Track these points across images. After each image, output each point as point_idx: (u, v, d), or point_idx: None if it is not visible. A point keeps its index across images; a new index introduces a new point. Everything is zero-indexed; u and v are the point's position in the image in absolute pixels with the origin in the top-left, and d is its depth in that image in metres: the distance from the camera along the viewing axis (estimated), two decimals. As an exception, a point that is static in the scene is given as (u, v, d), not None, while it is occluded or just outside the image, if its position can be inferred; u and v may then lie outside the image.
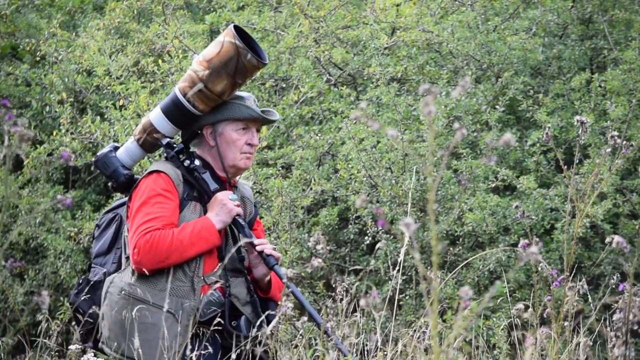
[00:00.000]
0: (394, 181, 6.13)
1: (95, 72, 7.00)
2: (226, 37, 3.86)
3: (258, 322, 3.75)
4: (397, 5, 7.00)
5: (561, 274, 3.54)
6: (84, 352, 4.01)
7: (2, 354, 6.09)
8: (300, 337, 3.90)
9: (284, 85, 7.20)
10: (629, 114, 6.31)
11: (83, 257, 7.61)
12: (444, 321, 5.52)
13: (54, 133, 7.16)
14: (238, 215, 3.88)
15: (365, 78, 6.90)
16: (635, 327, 2.89)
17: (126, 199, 4.04)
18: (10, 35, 8.56)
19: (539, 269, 3.62)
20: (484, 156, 6.33)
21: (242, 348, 3.77)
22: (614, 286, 3.32)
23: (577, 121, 3.55)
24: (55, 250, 7.50)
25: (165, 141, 3.94)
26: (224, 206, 3.86)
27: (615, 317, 2.92)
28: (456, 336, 2.26)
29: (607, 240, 3.00)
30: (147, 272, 3.76)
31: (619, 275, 3.51)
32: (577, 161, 3.73)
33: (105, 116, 7.09)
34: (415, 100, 6.51)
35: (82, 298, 3.91)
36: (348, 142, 6.27)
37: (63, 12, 8.61)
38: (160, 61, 7.01)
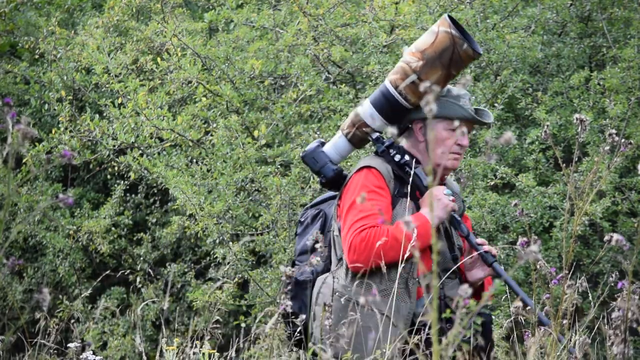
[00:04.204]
0: (392, 179, 6.13)
1: (94, 70, 7.00)
2: (441, 26, 3.71)
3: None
4: (396, 3, 7.00)
5: (560, 271, 3.53)
6: (83, 350, 4.00)
7: (2, 352, 6.09)
8: (299, 334, 3.89)
9: (282, 83, 7.20)
10: (627, 112, 6.31)
11: (82, 255, 7.61)
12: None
13: (53, 131, 7.16)
14: (453, 210, 3.71)
15: (364, 76, 6.90)
16: (634, 325, 2.90)
17: (328, 194, 3.94)
18: (9, 33, 8.55)
19: (538, 267, 3.62)
20: (483, 154, 6.33)
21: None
22: (612, 284, 3.32)
23: (577, 119, 3.54)
24: (54, 248, 7.50)
25: (374, 135, 3.79)
26: (439, 202, 3.66)
27: (614, 315, 2.92)
28: (455, 334, 2.26)
29: (606, 238, 3.00)
30: (363, 271, 3.62)
31: (617, 273, 3.51)
32: (576, 159, 3.73)
33: (104, 114, 7.10)
34: (414, 98, 6.51)
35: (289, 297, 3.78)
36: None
37: (62, 10, 8.61)
38: (159, 59, 7.01)
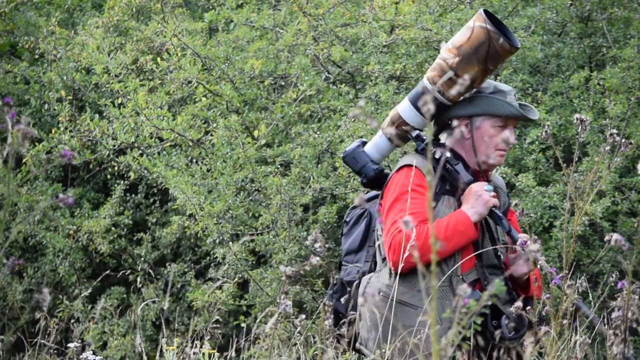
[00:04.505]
0: (392, 179, 6.13)
1: (94, 70, 6.99)
2: (476, 22, 3.74)
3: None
4: (396, 3, 7.00)
5: (560, 271, 3.53)
6: (83, 350, 4.00)
7: (2, 352, 6.09)
8: (299, 334, 3.89)
9: (282, 83, 7.20)
10: (627, 112, 6.31)
11: (82, 255, 7.61)
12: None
13: (53, 131, 7.16)
14: (494, 206, 3.70)
15: (364, 76, 6.90)
16: (634, 325, 2.90)
17: (373, 193, 3.93)
18: (8, 33, 8.56)
19: (538, 266, 3.62)
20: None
21: (502, 348, 3.60)
22: (612, 284, 3.32)
23: (577, 119, 3.54)
24: (54, 248, 7.50)
25: (414, 133, 3.79)
26: (479, 197, 3.68)
27: (614, 315, 2.92)
28: (455, 334, 2.26)
29: (606, 238, 3.00)
30: (404, 271, 3.60)
31: (617, 273, 3.51)
32: (576, 159, 3.73)
33: (104, 114, 7.09)
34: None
35: (336, 299, 3.77)
36: (347, 140, 6.27)
37: (62, 10, 8.61)
38: (159, 59, 7.00)
